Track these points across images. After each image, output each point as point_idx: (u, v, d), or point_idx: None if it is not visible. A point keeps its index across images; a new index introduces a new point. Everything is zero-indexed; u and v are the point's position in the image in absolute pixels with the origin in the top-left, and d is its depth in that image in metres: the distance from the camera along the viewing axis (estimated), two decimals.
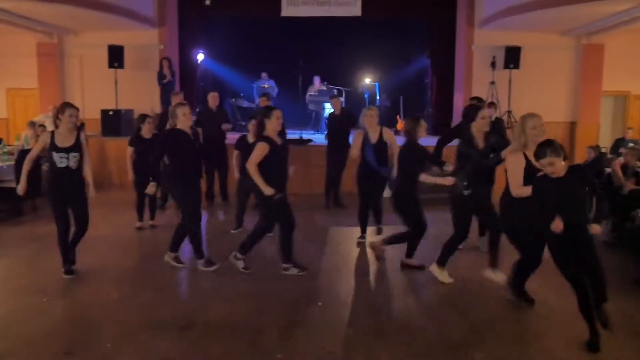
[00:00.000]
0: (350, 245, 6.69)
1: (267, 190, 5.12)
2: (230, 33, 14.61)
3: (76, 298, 4.77)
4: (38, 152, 5.45)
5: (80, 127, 11.29)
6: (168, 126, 6.10)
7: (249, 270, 5.50)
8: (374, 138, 6.43)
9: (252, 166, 5.15)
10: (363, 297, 4.95)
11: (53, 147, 5.23)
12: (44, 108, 12.66)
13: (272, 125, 5.28)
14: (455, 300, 4.87)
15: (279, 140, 5.35)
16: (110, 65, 12.04)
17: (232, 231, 7.23)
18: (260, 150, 5.14)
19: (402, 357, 3.76)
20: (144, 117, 7.37)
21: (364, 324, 4.29)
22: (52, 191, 5.32)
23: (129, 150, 7.24)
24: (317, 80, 13.70)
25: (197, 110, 13.00)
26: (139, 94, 12.31)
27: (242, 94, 14.18)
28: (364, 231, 6.88)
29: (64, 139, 5.28)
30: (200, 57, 13.73)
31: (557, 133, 12.59)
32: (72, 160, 5.28)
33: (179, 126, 5.47)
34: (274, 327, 4.23)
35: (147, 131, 7.21)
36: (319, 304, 4.74)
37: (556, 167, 3.66)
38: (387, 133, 6.53)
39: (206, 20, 14.06)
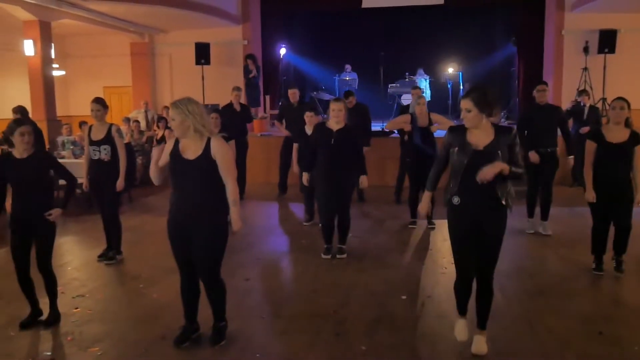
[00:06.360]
0: (434, 239, 6.58)
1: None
2: (311, 27, 14.76)
3: (170, 284, 5.00)
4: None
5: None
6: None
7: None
8: (422, 123, 6.79)
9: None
10: (446, 290, 4.85)
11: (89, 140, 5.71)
12: (137, 104, 13.36)
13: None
14: (545, 294, 4.70)
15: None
16: (197, 62, 12.50)
17: (305, 224, 7.29)
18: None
19: (493, 352, 3.67)
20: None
21: (449, 317, 4.21)
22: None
23: None
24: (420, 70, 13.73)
25: (280, 104, 13.26)
26: (225, 90, 12.65)
27: (323, 87, 14.27)
28: (414, 216, 7.11)
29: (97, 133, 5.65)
30: (283, 51, 13.96)
31: None
32: (102, 152, 5.58)
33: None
34: (358, 319, 4.25)
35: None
36: (403, 297, 4.71)
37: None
38: (440, 119, 6.90)
39: (288, 14, 14.28)
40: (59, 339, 3.97)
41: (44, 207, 4.09)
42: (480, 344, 3.69)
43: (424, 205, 3.88)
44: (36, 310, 4.24)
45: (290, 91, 9.11)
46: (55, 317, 4.22)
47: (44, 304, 4.28)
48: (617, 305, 4.55)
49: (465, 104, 3.47)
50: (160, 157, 3.74)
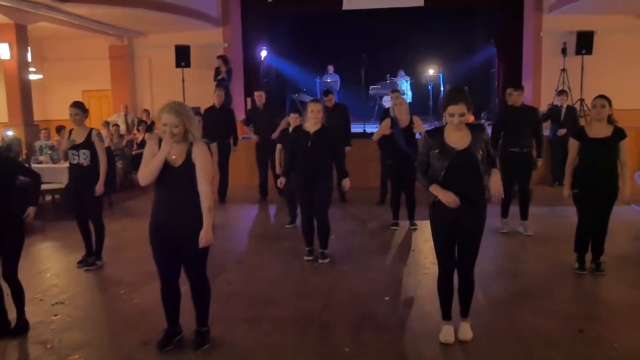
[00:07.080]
0: (416, 240, 6.60)
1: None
2: (292, 29, 14.74)
3: (151, 289, 4.94)
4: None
5: (150, 126, 11.77)
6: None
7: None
8: (403, 124, 6.75)
9: None
10: (429, 291, 4.86)
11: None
12: (116, 108, 13.22)
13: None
14: (527, 294, 4.73)
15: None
16: (178, 65, 12.40)
17: (287, 226, 7.28)
18: None
19: (476, 353, 3.68)
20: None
21: (432, 317, 4.22)
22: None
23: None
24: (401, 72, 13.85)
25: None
26: (206, 92, 12.58)
27: (304, 89, 14.26)
28: (396, 217, 7.15)
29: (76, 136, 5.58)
30: (264, 53, 13.91)
31: (636, 121, 11.95)
32: (82, 157, 5.50)
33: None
34: (342, 321, 4.24)
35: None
36: (386, 298, 4.71)
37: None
38: (417, 121, 6.80)
39: (268, 17, 14.24)
40: (38, 348, 3.89)
41: (6, 213, 4.00)
42: (465, 331, 3.86)
43: (449, 195, 3.54)
44: (4, 322, 4.11)
45: (256, 94, 9.11)
46: (23, 327, 4.11)
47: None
48: (598, 304, 4.59)
49: (461, 109, 3.53)
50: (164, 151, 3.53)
